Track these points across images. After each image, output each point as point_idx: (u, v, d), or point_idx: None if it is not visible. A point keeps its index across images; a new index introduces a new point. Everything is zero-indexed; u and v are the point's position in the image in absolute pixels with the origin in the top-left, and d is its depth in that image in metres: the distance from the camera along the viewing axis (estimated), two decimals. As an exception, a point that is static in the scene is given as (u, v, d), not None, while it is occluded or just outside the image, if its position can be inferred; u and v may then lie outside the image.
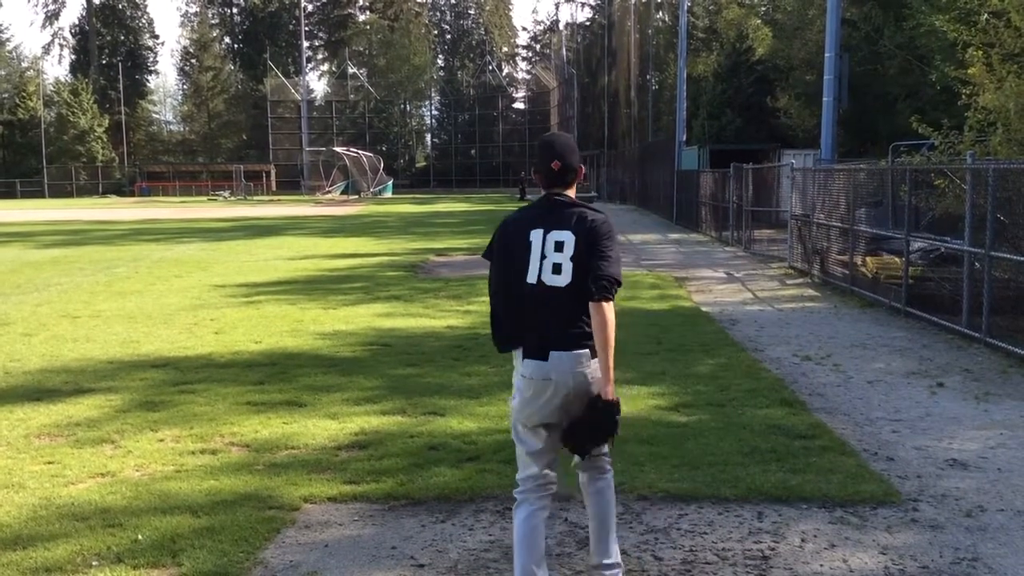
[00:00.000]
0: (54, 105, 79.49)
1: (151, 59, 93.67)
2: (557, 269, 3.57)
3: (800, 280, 15.24)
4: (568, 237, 3.58)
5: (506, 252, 3.74)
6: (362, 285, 14.77)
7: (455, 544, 4.46)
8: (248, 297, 13.38)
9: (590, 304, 3.53)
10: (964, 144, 12.58)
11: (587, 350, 3.58)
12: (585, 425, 3.58)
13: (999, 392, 7.42)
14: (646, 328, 10.14)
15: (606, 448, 3.80)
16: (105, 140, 80.00)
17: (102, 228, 31.83)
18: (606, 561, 3.83)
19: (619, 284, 3.58)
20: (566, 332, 3.57)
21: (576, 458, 3.78)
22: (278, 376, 8.04)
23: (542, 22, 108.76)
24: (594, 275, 3.52)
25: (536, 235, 3.63)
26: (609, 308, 3.51)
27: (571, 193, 3.77)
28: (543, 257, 3.60)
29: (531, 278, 3.61)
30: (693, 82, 39.40)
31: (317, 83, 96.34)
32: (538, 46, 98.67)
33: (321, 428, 6.37)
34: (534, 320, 3.61)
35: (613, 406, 3.54)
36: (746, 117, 35.30)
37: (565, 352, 3.57)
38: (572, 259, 3.56)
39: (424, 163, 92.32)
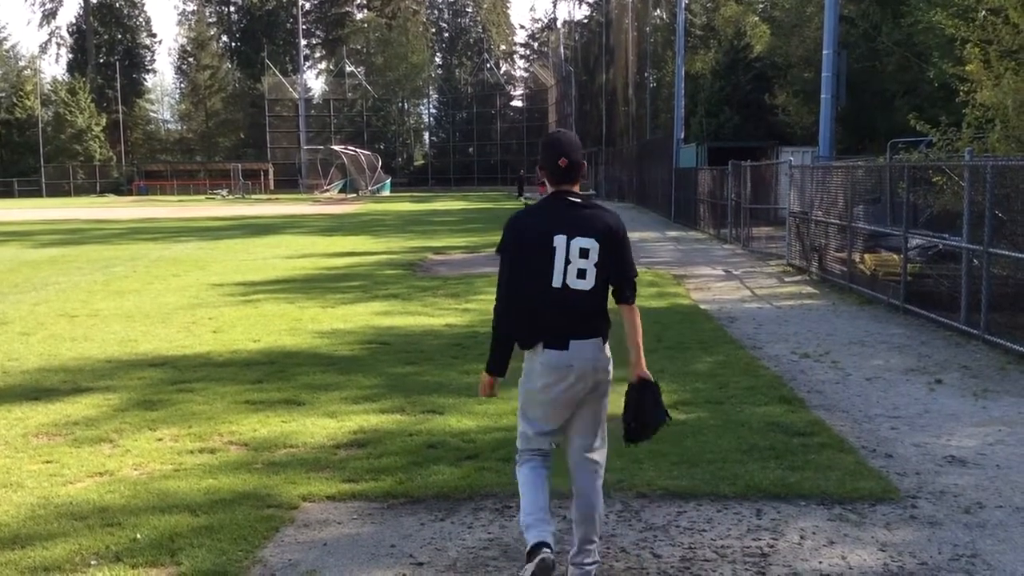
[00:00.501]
0: (51, 104, 79.37)
1: (148, 58, 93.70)
2: (582, 274, 3.78)
3: (798, 277, 15.25)
4: (593, 244, 3.79)
5: (525, 253, 3.83)
6: (360, 284, 14.76)
7: (454, 542, 4.46)
8: (246, 296, 13.38)
9: (623, 307, 3.94)
10: (962, 141, 12.59)
11: (601, 337, 3.87)
12: (647, 408, 3.93)
13: (997, 389, 7.42)
14: (645, 326, 10.05)
15: (601, 456, 3.99)
16: (103, 139, 79.90)
17: (100, 227, 31.79)
18: (587, 560, 3.93)
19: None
20: (584, 325, 3.82)
21: (572, 456, 3.94)
22: (276, 375, 8.04)
23: (540, 20, 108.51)
24: (624, 280, 3.93)
25: (560, 240, 3.77)
26: (636, 307, 4.01)
27: (576, 189, 3.93)
28: (568, 262, 3.77)
29: (556, 282, 3.77)
30: (691, 79, 39.38)
31: (315, 81, 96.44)
32: (536, 44, 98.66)
33: (320, 427, 6.37)
34: (555, 319, 3.79)
35: (657, 385, 3.98)
36: (744, 114, 35.28)
37: (583, 340, 3.80)
38: (596, 265, 3.80)
39: (422, 161, 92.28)
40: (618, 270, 3.88)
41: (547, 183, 3.92)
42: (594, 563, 3.95)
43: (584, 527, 3.93)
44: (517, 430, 4.02)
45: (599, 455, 3.97)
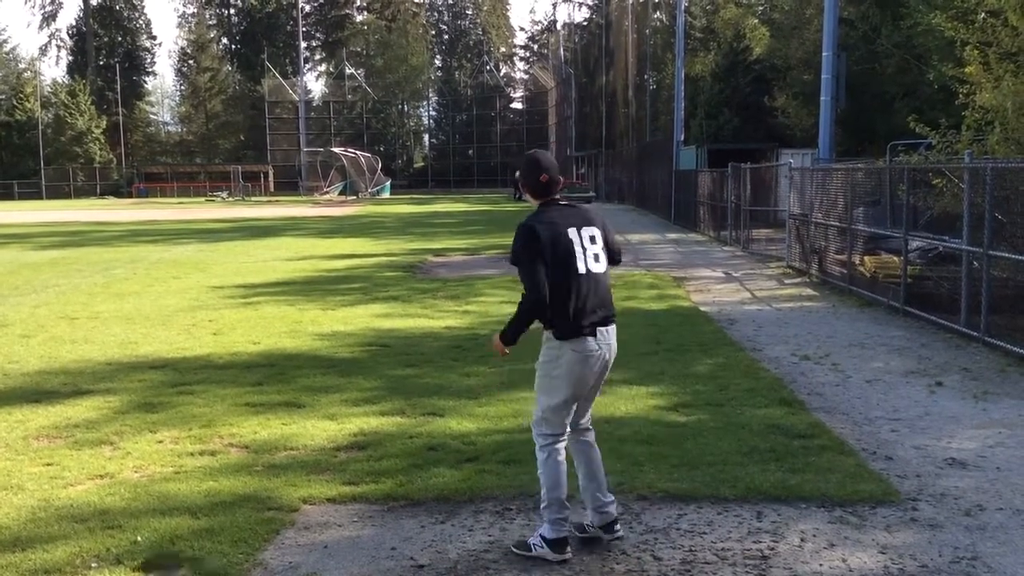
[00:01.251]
0: (51, 106, 79.34)
1: (148, 60, 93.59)
2: (596, 258, 4.33)
3: (798, 279, 15.25)
4: (596, 232, 4.37)
5: (553, 252, 4.24)
6: (360, 286, 14.76)
7: (454, 545, 4.46)
8: (246, 298, 13.38)
9: (612, 263, 4.54)
10: (962, 143, 12.59)
11: (614, 324, 4.39)
12: None
13: (997, 391, 7.42)
14: (644, 328, 10.14)
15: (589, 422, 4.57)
16: (103, 141, 79.89)
17: (100, 229, 31.80)
18: (607, 499, 4.43)
19: None
20: (607, 309, 4.35)
21: (573, 424, 4.45)
22: (277, 377, 8.04)
23: (539, 22, 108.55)
24: (616, 251, 4.52)
25: (573, 233, 4.29)
26: None
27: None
28: (584, 250, 4.30)
29: (582, 269, 4.27)
30: (691, 82, 39.40)
31: (315, 84, 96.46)
32: (535, 46, 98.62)
33: (320, 429, 6.37)
34: (587, 303, 4.25)
35: None
36: (744, 117, 35.30)
37: (606, 328, 4.33)
38: (603, 248, 4.37)
39: (422, 163, 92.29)
40: (613, 247, 4.49)
41: (530, 197, 4.42)
42: (612, 500, 4.45)
43: (596, 482, 4.40)
44: (538, 414, 4.37)
45: (590, 415, 4.57)
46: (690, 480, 5.24)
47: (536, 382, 4.39)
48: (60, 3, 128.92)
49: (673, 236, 25.90)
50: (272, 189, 76.21)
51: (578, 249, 4.25)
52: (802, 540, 4.47)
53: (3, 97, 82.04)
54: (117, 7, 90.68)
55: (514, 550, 4.35)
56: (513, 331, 4.31)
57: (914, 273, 11.51)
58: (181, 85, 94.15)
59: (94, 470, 5.57)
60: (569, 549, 4.28)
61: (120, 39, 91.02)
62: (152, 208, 51.94)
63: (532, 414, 4.48)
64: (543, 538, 4.29)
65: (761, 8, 47.02)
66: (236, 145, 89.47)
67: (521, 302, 4.26)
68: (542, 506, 4.35)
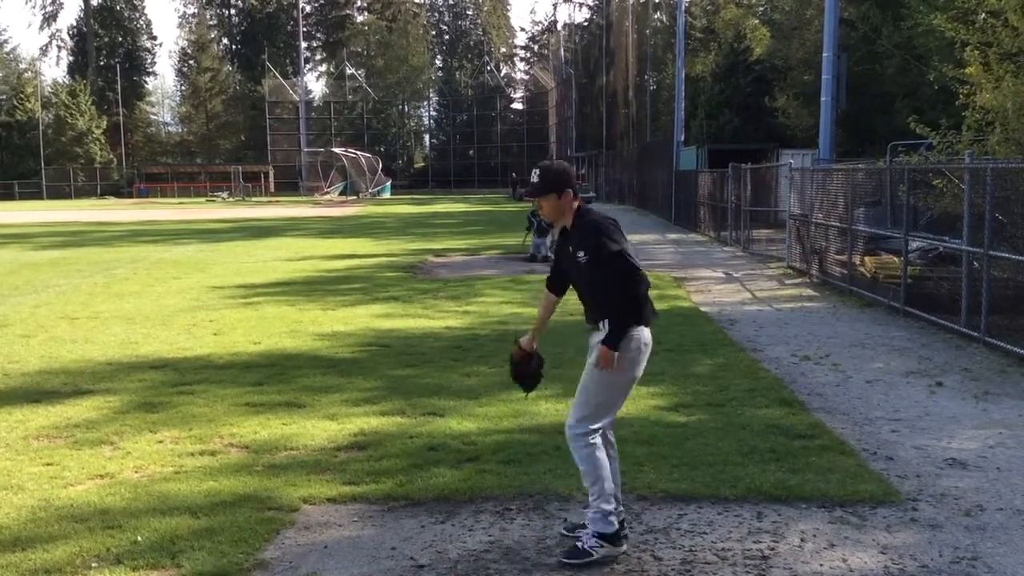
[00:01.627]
0: (52, 107, 79.29)
1: (149, 60, 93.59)
2: None
3: (799, 280, 15.25)
4: None
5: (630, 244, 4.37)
6: (360, 286, 14.76)
7: (455, 545, 4.46)
8: (246, 298, 13.38)
9: None
10: (962, 144, 12.58)
11: None
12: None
13: (998, 391, 7.42)
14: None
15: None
16: (103, 141, 79.84)
17: (100, 229, 31.80)
18: (622, 508, 4.45)
19: None
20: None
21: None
22: (277, 377, 8.04)
23: (540, 23, 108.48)
24: None
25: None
26: None
27: None
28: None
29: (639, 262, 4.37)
30: (691, 82, 39.39)
31: (315, 84, 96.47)
32: (536, 46, 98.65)
33: (320, 429, 6.37)
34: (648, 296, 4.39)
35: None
36: (744, 117, 35.26)
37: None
38: None
39: (422, 164, 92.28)
40: None
41: (572, 199, 4.43)
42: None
43: (617, 484, 4.39)
44: (587, 411, 4.29)
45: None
46: (690, 480, 5.24)
47: (592, 377, 4.28)
48: (60, 3, 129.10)
49: (673, 236, 25.91)
50: (272, 189, 76.16)
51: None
52: (802, 540, 4.47)
53: (4, 97, 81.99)
54: (117, 7, 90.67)
55: (569, 561, 4.17)
56: (621, 332, 4.20)
57: (914, 274, 11.51)
58: (181, 85, 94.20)
59: (94, 470, 5.57)
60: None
61: (120, 39, 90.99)
62: (153, 208, 51.93)
63: (574, 412, 4.34)
64: (601, 535, 4.20)
65: (762, 9, 47.04)
66: (236, 145, 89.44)
67: (636, 294, 4.19)
68: (594, 500, 4.24)
